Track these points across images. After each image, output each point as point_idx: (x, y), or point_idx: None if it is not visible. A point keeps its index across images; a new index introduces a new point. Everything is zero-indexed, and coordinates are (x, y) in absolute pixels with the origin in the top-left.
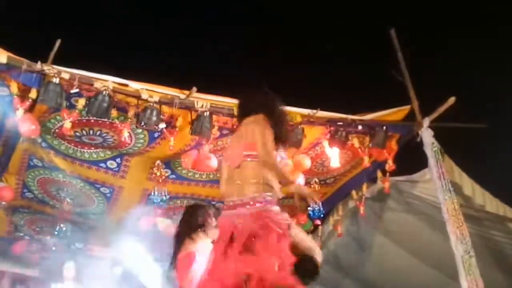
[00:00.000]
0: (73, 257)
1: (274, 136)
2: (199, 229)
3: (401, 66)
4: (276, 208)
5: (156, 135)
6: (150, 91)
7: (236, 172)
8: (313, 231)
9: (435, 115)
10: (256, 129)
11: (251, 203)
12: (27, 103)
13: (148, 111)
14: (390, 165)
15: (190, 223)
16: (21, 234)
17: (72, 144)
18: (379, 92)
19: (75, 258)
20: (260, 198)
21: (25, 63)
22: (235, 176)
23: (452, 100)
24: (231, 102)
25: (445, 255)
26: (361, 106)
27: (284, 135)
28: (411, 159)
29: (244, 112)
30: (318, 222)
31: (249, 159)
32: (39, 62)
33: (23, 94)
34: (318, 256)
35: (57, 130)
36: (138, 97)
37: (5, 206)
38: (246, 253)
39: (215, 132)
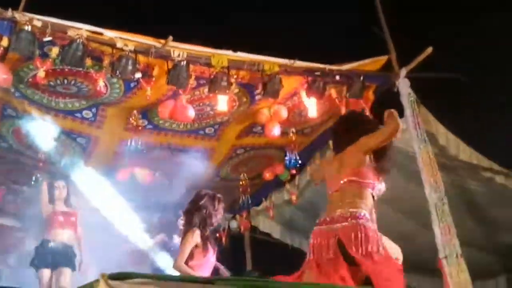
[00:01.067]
0: None
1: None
2: (198, 225)
3: (380, 17)
4: (372, 224)
5: (132, 85)
6: (125, 40)
7: (335, 195)
8: (290, 180)
9: (412, 65)
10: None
11: (350, 216)
12: None
13: (124, 60)
14: None
15: (197, 209)
16: None
17: (47, 94)
18: (357, 44)
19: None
20: (358, 213)
21: None
22: (335, 198)
23: (429, 50)
24: (209, 52)
25: (419, 204)
26: (338, 57)
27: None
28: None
29: (347, 142)
30: (294, 171)
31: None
32: (9, 9)
33: None
34: (399, 256)
35: (30, 80)
36: (113, 46)
37: None
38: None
39: (192, 82)
